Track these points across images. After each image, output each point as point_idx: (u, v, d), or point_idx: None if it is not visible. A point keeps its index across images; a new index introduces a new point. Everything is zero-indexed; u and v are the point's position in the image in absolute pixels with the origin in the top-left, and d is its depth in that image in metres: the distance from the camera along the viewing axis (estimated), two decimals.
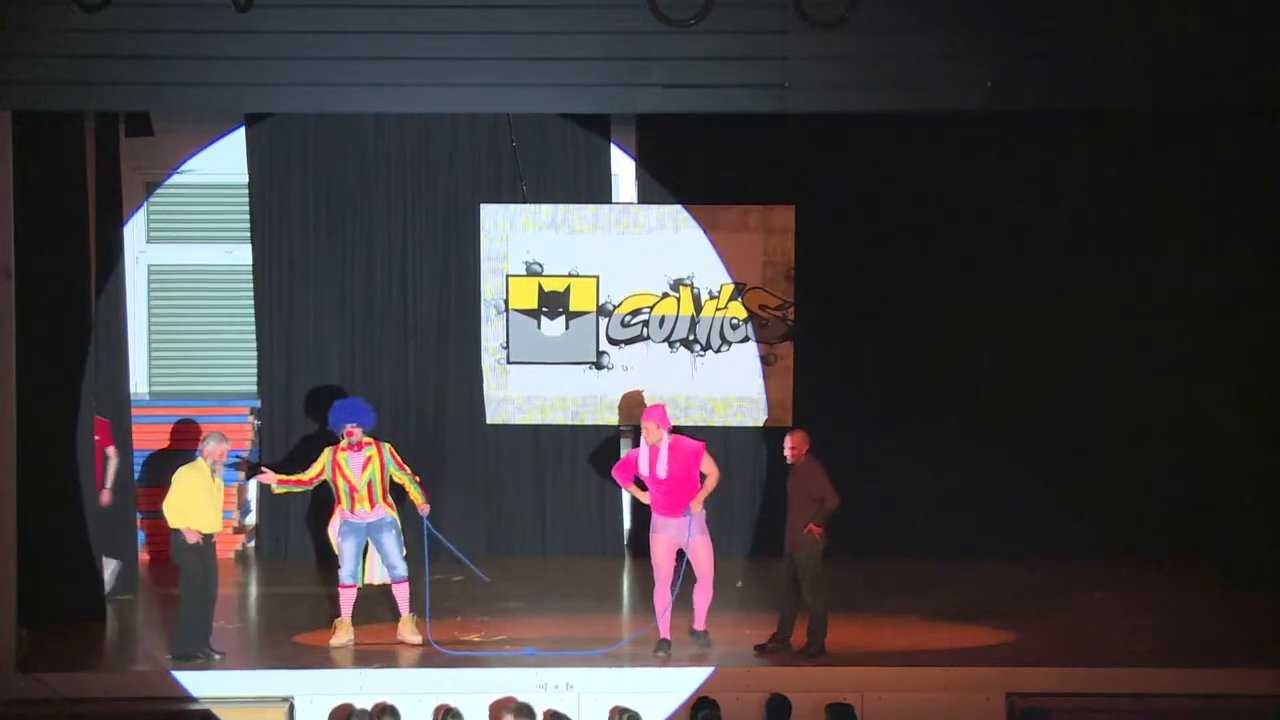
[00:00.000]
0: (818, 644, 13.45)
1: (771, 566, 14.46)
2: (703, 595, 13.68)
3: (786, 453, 13.60)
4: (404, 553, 13.92)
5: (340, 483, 13.75)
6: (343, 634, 13.71)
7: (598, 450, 17.73)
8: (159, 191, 18.05)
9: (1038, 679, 12.85)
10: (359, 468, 13.76)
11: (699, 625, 13.74)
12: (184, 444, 16.81)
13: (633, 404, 17.05)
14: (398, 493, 14.00)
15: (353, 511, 13.76)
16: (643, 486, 13.73)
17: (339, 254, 17.69)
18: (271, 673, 13.08)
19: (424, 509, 13.92)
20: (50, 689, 12.73)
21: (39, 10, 12.50)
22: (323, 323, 17.71)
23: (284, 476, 13.92)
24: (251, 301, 17.86)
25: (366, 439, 13.80)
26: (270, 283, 17.73)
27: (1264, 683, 12.74)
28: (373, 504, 13.77)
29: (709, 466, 13.59)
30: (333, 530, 13.92)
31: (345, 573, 13.82)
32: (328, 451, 13.84)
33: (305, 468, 14.01)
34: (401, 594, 13.90)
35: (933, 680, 12.91)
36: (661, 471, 13.48)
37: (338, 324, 17.70)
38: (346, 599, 13.82)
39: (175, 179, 18.01)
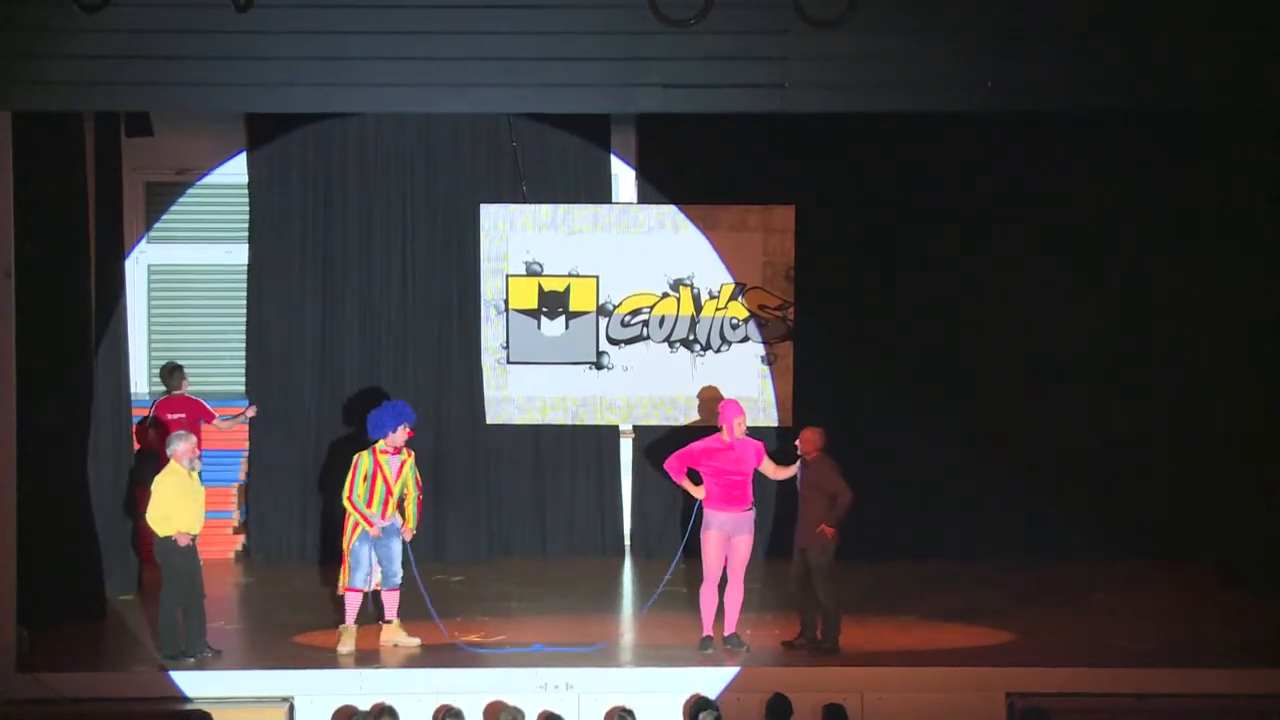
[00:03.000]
0: (832, 641, 13.48)
1: (778, 567, 14.46)
2: (734, 598, 13.71)
3: (800, 448, 13.64)
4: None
5: (379, 487, 13.68)
6: (350, 640, 13.62)
7: (600, 449, 17.80)
8: (159, 191, 18.05)
9: (1038, 679, 12.85)
10: (396, 472, 13.73)
11: (730, 629, 13.74)
12: None
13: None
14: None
15: (383, 516, 13.69)
16: (695, 480, 13.74)
17: (338, 254, 17.68)
18: (271, 673, 13.07)
19: (409, 534, 13.84)
20: (50, 689, 12.73)
21: (39, 10, 12.48)
22: (322, 322, 17.70)
23: (361, 515, 13.71)
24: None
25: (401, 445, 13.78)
26: (268, 283, 17.72)
27: (1264, 683, 12.74)
28: (397, 509, 13.75)
29: (769, 467, 13.84)
30: (352, 534, 13.75)
31: (359, 578, 13.70)
32: (365, 456, 13.71)
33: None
34: (392, 600, 13.84)
35: (933, 680, 12.92)
36: (731, 464, 13.59)
37: (337, 324, 17.69)
38: (355, 604, 13.70)
39: (175, 179, 18.02)
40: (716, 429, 13.76)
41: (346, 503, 13.67)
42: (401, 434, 13.71)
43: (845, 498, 13.50)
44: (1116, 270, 17.52)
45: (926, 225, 17.43)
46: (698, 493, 13.73)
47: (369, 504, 13.67)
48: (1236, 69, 12.74)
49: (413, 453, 13.88)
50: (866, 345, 17.45)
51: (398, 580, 13.79)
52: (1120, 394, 17.54)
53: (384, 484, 13.65)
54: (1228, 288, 16.73)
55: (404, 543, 13.87)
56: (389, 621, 13.82)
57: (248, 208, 17.80)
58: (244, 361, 17.92)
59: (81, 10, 12.24)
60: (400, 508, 13.82)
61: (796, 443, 13.79)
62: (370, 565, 13.72)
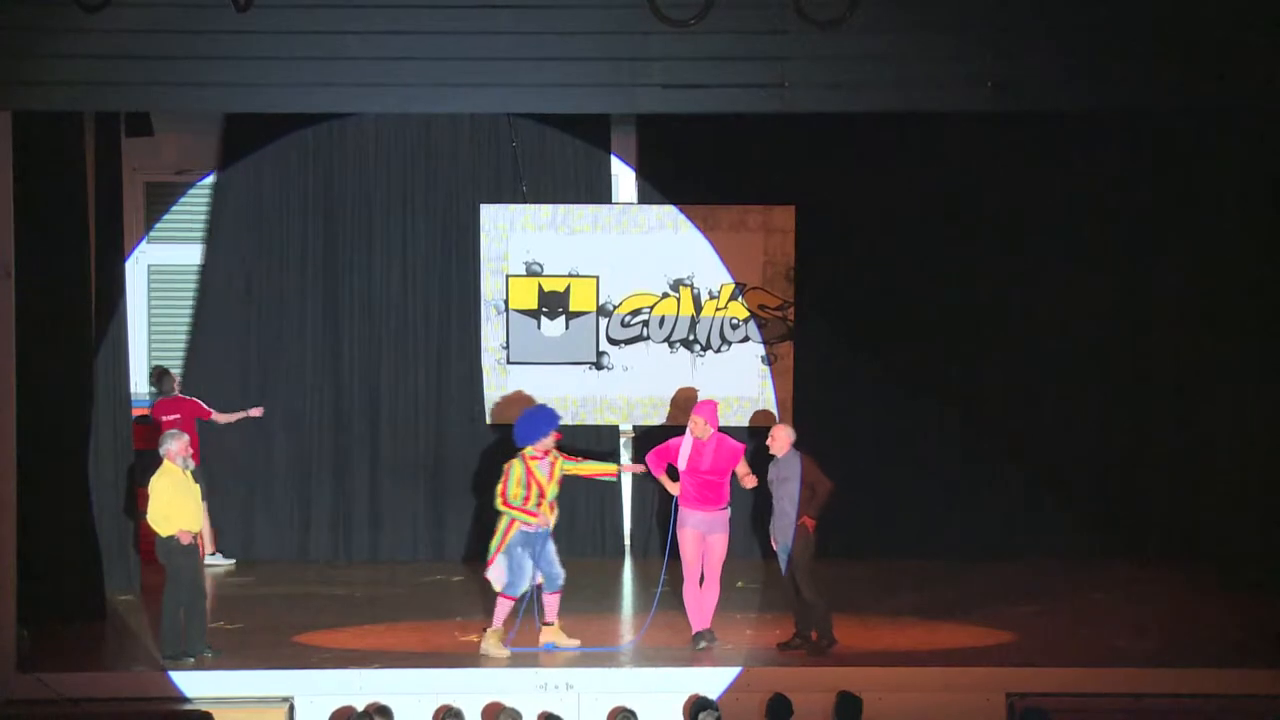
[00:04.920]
0: (827, 637, 13.47)
1: (773, 567, 14.44)
2: (710, 596, 13.75)
3: (770, 445, 13.65)
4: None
5: (534, 491, 13.59)
6: (496, 642, 13.50)
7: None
8: (159, 191, 18.03)
9: (1038, 679, 12.84)
10: (548, 475, 13.66)
11: (705, 624, 13.76)
12: None
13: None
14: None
15: (537, 520, 13.61)
16: (673, 477, 13.77)
17: (338, 254, 17.68)
18: (271, 673, 13.05)
19: (616, 472, 14.09)
20: (50, 689, 12.72)
21: (39, 10, 12.48)
22: (322, 322, 17.70)
23: (521, 510, 13.62)
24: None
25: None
26: (268, 282, 17.72)
27: (1264, 683, 12.74)
28: (552, 512, 13.69)
29: (745, 470, 13.81)
30: (509, 541, 13.60)
31: (518, 585, 13.54)
32: (517, 464, 13.59)
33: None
34: (553, 602, 13.74)
35: (933, 680, 12.91)
36: (705, 464, 13.63)
37: (337, 324, 17.68)
38: (505, 610, 13.57)
39: (175, 179, 18.00)
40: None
41: (501, 505, 13.59)
42: (551, 439, 13.66)
43: (824, 487, 13.47)
44: (1116, 270, 17.52)
45: (926, 225, 17.44)
46: (673, 488, 13.79)
47: (522, 510, 13.60)
48: (1237, 69, 12.73)
49: (559, 453, 13.79)
50: (867, 345, 17.45)
51: (560, 583, 13.70)
52: (1120, 394, 17.54)
53: (538, 488, 13.60)
54: (1227, 287, 16.73)
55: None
56: (549, 624, 13.73)
57: (247, 208, 17.79)
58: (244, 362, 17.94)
59: (81, 10, 12.23)
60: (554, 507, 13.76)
61: (767, 441, 13.79)
62: (533, 573, 13.60)
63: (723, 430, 14.04)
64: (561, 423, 17.26)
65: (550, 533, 13.71)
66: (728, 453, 13.75)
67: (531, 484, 13.59)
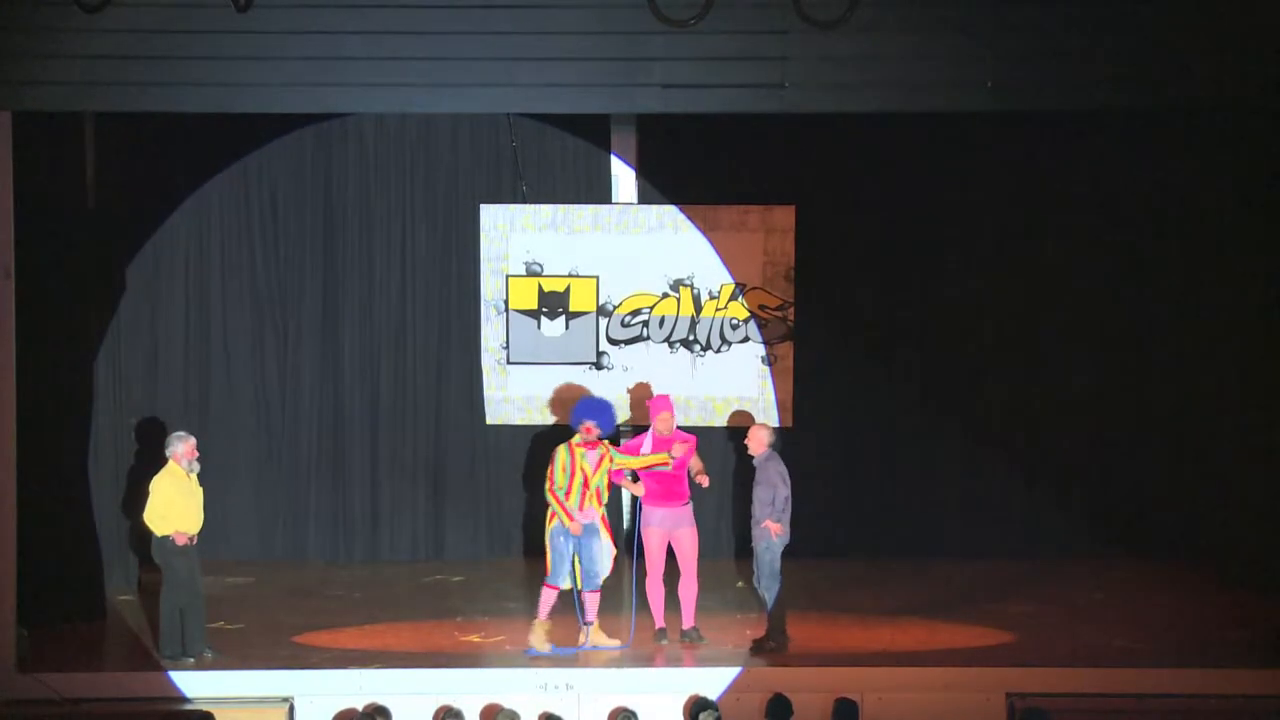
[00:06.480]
0: (773, 639, 13.43)
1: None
2: (689, 590, 13.77)
3: (747, 445, 13.64)
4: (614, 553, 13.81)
5: (576, 479, 13.56)
6: (541, 635, 13.51)
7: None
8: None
9: (1038, 679, 12.85)
10: (595, 465, 13.61)
11: (689, 623, 13.78)
12: None
13: (642, 398, 16.94)
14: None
15: (581, 510, 13.57)
16: (634, 478, 13.80)
17: (338, 254, 17.68)
18: (271, 673, 13.06)
19: (669, 460, 13.75)
20: (50, 689, 12.73)
21: (39, 10, 12.49)
22: (322, 322, 17.69)
23: (561, 507, 13.60)
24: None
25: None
26: (267, 283, 17.71)
27: (1264, 683, 12.74)
28: (599, 503, 13.64)
29: (699, 465, 13.89)
30: (550, 531, 13.60)
31: (560, 575, 13.56)
32: (563, 449, 13.57)
33: None
34: (593, 601, 13.69)
35: (933, 680, 12.91)
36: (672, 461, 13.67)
37: (336, 324, 17.68)
38: (549, 600, 13.57)
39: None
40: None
41: (548, 494, 13.60)
42: (581, 428, 13.60)
43: (783, 495, 13.46)
44: (1116, 269, 17.52)
45: (926, 225, 17.45)
46: (637, 489, 13.85)
47: (567, 496, 13.57)
48: (1236, 69, 12.74)
49: (612, 447, 13.75)
50: (867, 345, 17.46)
51: (599, 582, 13.68)
52: (1120, 393, 17.54)
53: (582, 476, 13.56)
54: (1228, 287, 16.73)
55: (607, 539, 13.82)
56: (589, 623, 13.69)
57: (247, 208, 17.79)
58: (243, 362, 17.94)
59: (81, 10, 12.23)
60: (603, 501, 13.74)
61: (745, 440, 13.79)
62: (572, 562, 13.60)
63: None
64: (558, 423, 17.51)
65: (597, 527, 13.65)
66: (687, 446, 13.79)
67: (576, 472, 13.54)
